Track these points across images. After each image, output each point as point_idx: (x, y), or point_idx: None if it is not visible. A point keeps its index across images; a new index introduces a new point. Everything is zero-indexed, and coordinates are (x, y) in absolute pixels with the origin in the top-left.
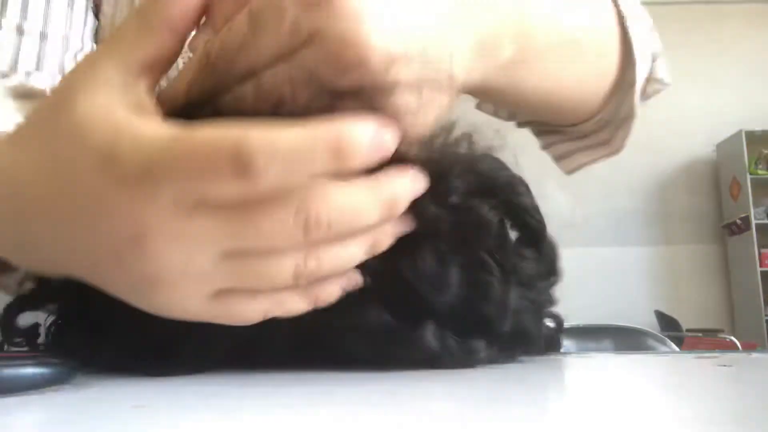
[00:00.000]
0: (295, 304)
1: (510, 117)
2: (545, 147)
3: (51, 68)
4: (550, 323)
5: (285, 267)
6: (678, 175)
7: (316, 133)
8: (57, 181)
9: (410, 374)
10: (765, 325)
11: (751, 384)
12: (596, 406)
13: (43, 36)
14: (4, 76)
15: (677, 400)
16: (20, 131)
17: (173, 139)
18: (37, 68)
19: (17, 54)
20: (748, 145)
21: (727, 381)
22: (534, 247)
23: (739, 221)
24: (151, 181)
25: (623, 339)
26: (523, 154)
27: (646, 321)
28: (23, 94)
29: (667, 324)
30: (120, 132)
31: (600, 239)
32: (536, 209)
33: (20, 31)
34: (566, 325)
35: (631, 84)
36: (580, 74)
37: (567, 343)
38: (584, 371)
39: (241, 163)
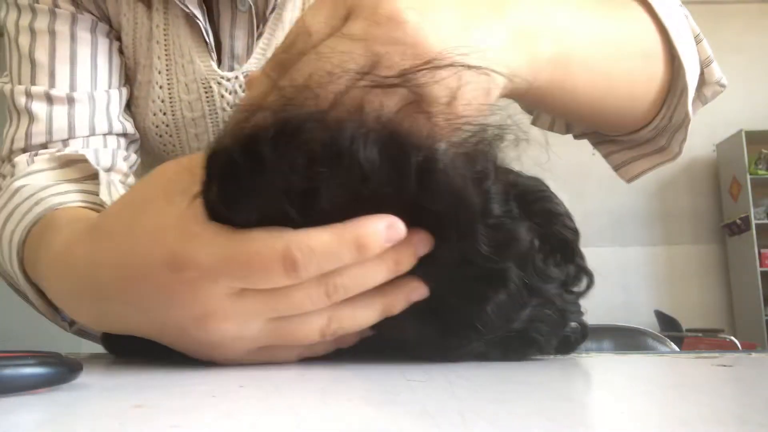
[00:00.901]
0: (322, 348)
1: (567, 130)
2: (605, 156)
3: (82, 131)
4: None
5: (314, 326)
6: (678, 175)
7: (344, 236)
8: (131, 270)
9: (410, 374)
10: (765, 325)
11: (751, 384)
12: (596, 406)
13: (70, 100)
14: (38, 149)
15: (677, 400)
16: (101, 224)
17: (229, 245)
18: (69, 135)
19: (50, 124)
20: (748, 145)
21: (727, 381)
22: (565, 257)
23: (739, 221)
24: (211, 278)
25: (623, 339)
26: (523, 153)
27: (646, 321)
28: (65, 163)
29: (667, 324)
30: (187, 238)
31: (600, 239)
32: (570, 217)
33: (49, 99)
34: None
35: (683, 90)
36: (628, 74)
37: None
38: (584, 371)
39: (289, 265)
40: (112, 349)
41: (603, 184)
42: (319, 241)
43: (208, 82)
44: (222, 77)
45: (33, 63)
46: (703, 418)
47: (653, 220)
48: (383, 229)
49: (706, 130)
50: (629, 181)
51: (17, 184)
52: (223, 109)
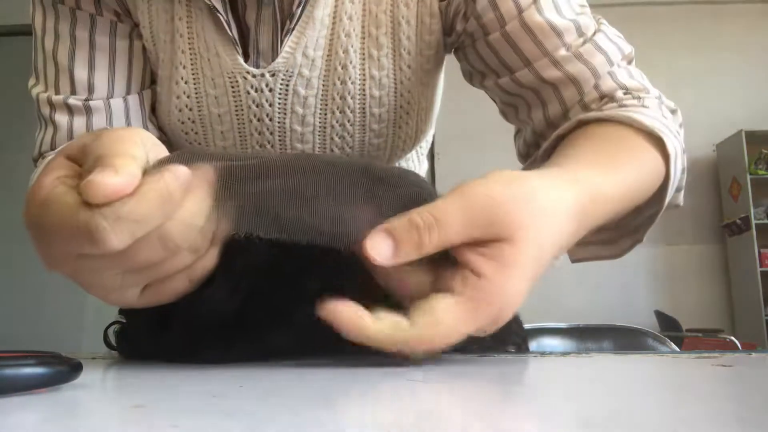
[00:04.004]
0: (198, 272)
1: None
2: None
3: None
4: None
5: (175, 265)
6: None
7: (146, 195)
8: None
9: (410, 374)
10: (765, 325)
11: (751, 384)
12: (596, 406)
13: (87, 110)
14: None
15: (677, 400)
16: None
17: (41, 207)
18: None
19: (71, 134)
20: (748, 145)
21: (727, 381)
22: None
23: (739, 221)
24: (34, 236)
25: (623, 339)
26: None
27: (646, 321)
28: None
29: (667, 324)
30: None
31: None
32: None
33: (69, 110)
34: (566, 325)
35: (653, 215)
36: (633, 205)
37: (567, 343)
38: (584, 371)
39: (94, 235)
40: (120, 350)
41: None
42: (124, 209)
43: (235, 77)
44: (248, 72)
45: (57, 65)
46: (703, 418)
47: None
48: (181, 174)
49: (706, 130)
50: (574, 261)
51: (49, 157)
52: (249, 107)
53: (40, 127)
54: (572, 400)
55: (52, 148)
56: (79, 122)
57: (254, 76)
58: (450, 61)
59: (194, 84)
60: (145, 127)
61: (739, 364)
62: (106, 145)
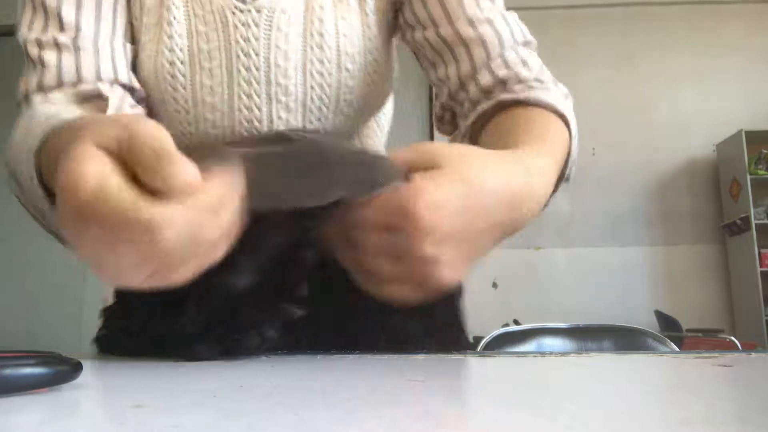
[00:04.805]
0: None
1: None
2: None
3: (89, 78)
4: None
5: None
6: (678, 175)
7: (198, 205)
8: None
9: (410, 374)
10: (765, 325)
11: (751, 384)
12: (596, 406)
13: (76, 48)
14: (52, 90)
15: (677, 400)
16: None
17: (93, 198)
18: (78, 80)
19: (60, 70)
20: (748, 145)
21: (727, 381)
22: None
23: (739, 221)
24: (75, 228)
25: (623, 339)
26: None
27: (646, 321)
28: (82, 100)
29: (667, 324)
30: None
31: (600, 239)
32: None
33: (57, 47)
34: (566, 325)
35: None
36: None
37: (567, 343)
38: (584, 371)
39: (154, 231)
40: (104, 350)
41: (603, 184)
42: (182, 218)
43: (224, 12)
44: (236, 7)
45: (46, 11)
46: (703, 418)
47: (653, 221)
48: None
49: (706, 130)
50: None
51: (36, 108)
52: (237, 41)
53: (27, 69)
54: (572, 400)
55: (39, 89)
56: (68, 58)
57: (242, 11)
58: None
59: (186, 23)
60: (129, 76)
61: (739, 364)
62: (151, 138)
